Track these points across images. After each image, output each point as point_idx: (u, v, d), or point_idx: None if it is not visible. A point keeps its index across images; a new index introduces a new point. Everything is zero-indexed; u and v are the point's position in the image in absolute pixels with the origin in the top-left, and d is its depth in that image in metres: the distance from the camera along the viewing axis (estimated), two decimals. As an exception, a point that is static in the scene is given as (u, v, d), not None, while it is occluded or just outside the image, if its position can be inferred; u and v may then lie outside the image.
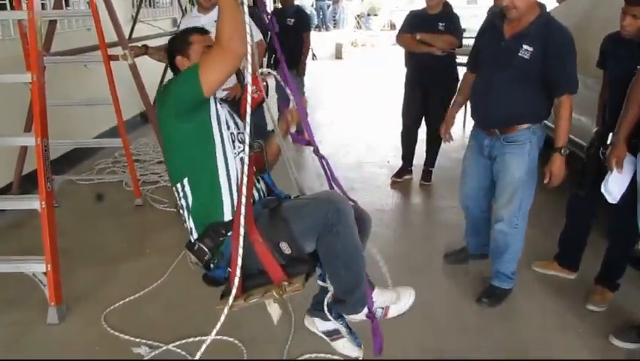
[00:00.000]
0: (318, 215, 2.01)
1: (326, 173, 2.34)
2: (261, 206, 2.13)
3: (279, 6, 6.87)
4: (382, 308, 2.27)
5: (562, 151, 2.93)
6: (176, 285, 3.44)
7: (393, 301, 2.29)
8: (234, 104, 2.32)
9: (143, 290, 3.38)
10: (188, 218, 2.16)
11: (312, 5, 21.26)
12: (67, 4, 5.81)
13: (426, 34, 4.76)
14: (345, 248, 2.05)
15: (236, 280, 1.98)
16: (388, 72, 11.41)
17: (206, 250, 2.08)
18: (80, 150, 5.63)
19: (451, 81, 4.86)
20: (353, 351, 2.40)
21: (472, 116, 3.36)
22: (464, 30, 4.93)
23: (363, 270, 2.15)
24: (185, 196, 2.14)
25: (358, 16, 26.48)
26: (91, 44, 4.81)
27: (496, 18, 3.11)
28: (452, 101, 3.64)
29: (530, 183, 3.12)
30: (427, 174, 5.38)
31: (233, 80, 3.41)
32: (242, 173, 2.03)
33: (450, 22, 4.80)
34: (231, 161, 2.13)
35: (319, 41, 14.79)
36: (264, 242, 2.00)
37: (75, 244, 3.99)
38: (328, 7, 20.85)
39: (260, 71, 2.08)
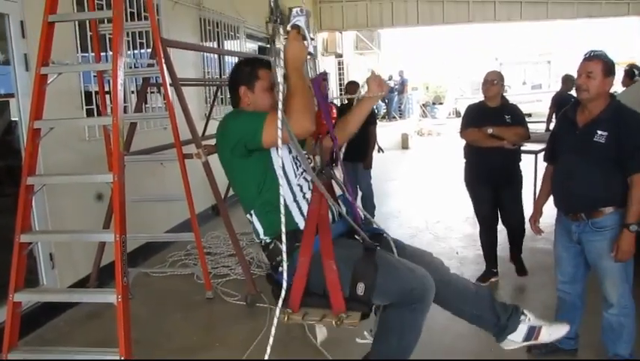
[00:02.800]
0: (406, 285, 2.13)
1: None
2: (360, 241, 2.24)
3: (346, 101, 7.10)
4: None
5: (630, 228, 2.99)
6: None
7: None
8: None
9: (212, 384, 3.40)
10: (262, 236, 2.30)
11: (378, 97, 21.77)
12: (145, 102, 6.21)
13: (498, 127, 4.57)
14: (411, 328, 2.18)
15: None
16: (455, 161, 11.39)
17: (282, 249, 2.07)
18: (154, 242, 5.85)
19: (520, 174, 4.81)
20: (562, 329, 2.49)
21: (556, 204, 3.43)
22: (529, 115, 4.85)
23: (410, 354, 2.21)
24: (255, 223, 2.31)
25: (424, 105, 26.91)
26: (166, 143, 5.11)
27: (569, 111, 3.32)
28: (537, 194, 3.70)
29: (629, 263, 3.16)
30: (519, 266, 5.09)
31: None
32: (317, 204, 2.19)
33: (514, 114, 4.66)
34: (293, 181, 2.27)
35: (385, 132, 15.03)
36: (337, 270, 2.08)
37: (147, 334, 4.09)
38: (394, 97, 21.28)
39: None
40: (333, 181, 2.42)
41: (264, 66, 2.41)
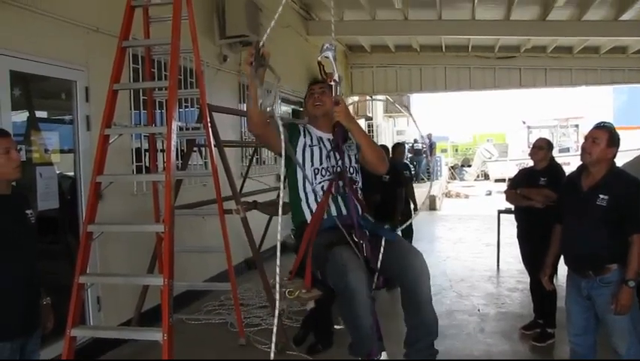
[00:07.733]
0: (335, 280, 2.68)
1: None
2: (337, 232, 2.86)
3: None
4: None
5: (628, 283, 3.26)
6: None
7: None
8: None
9: None
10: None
11: (407, 158, 22.17)
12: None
13: (526, 188, 5.02)
14: (344, 315, 2.79)
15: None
16: (480, 222, 11.66)
17: (293, 237, 3.08)
18: (192, 291, 6.19)
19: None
20: None
21: (566, 262, 3.70)
22: (561, 179, 5.05)
23: (364, 335, 2.72)
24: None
25: (452, 167, 27.15)
26: (204, 198, 5.58)
27: (574, 176, 3.64)
28: (548, 252, 3.89)
29: (636, 314, 3.38)
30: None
31: None
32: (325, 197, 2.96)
33: (552, 176, 4.90)
34: (309, 188, 3.00)
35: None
36: (311, 255, 2.80)
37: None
38: (423, 159, 21.64)
39: None
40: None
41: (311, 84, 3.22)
